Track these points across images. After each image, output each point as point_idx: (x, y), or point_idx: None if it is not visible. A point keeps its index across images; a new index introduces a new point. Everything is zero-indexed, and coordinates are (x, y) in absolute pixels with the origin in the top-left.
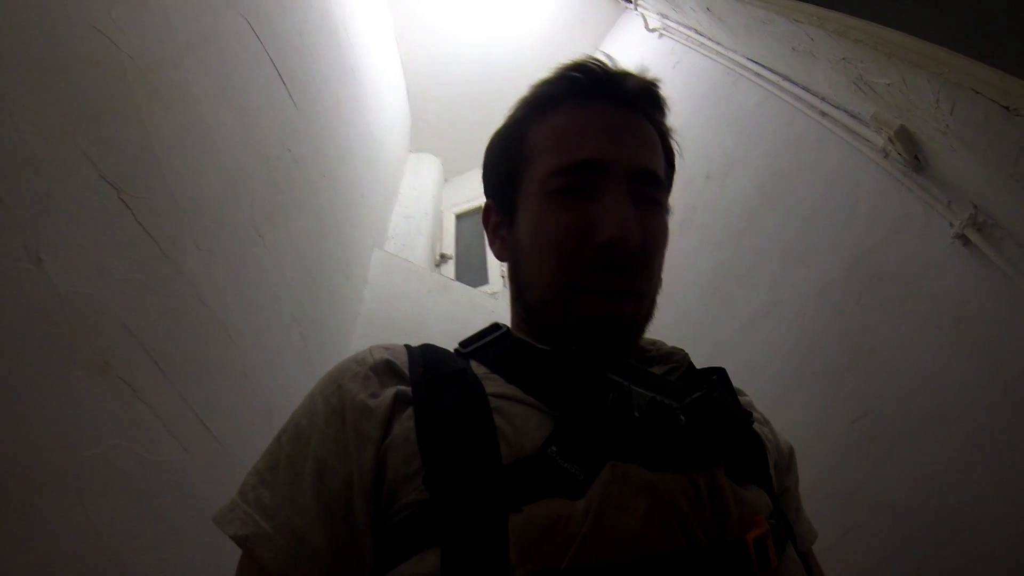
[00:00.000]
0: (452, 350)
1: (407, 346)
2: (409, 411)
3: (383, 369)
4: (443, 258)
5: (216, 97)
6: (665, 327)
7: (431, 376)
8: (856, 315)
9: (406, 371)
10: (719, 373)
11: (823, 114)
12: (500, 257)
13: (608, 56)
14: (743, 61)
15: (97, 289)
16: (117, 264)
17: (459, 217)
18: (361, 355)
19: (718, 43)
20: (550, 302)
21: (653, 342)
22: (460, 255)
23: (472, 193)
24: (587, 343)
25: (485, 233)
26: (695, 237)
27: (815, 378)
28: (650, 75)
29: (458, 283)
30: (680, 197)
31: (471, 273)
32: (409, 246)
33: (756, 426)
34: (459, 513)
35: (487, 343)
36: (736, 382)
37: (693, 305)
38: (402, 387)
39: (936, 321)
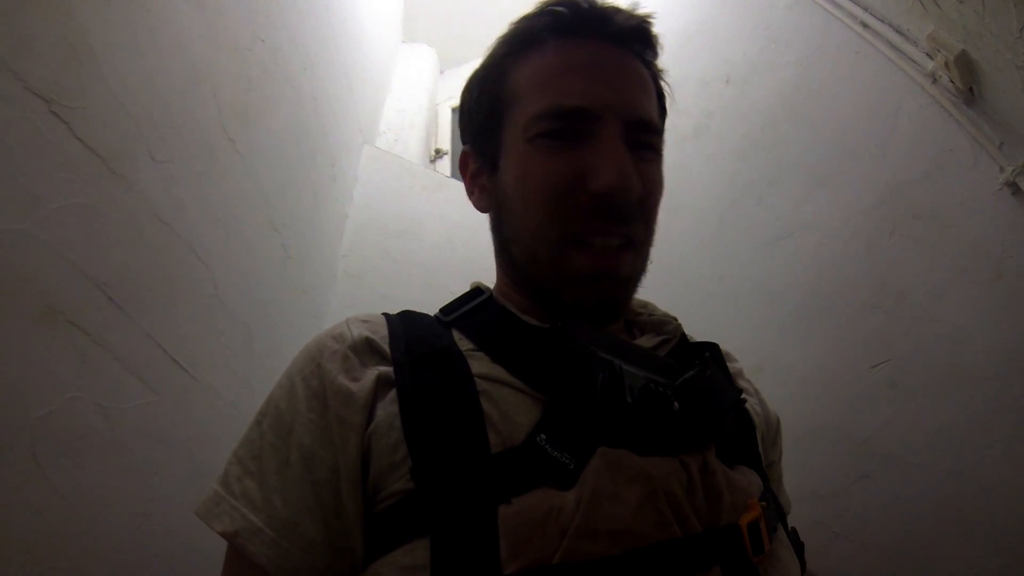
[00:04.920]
0: (433, 316)
1: (386, 315)
2: (392, 394)
3: (363, 348)
4: (438, 153)
5: None
6: (676, 238)
7: (414, 354)
8: (886, 252)
9: (387, 348)
10: (711, 349)
11: (864, 25)
12: (481, 208)
13: None
14: None
15: (32, 223)
16: (55, 190)
17: (455, 111)
18: (339, 330)
19: None
20: (539, 255)
21: (644, 305)
22: (456, 150)
23: None
24: (579, 302)
25: (463, 181)
26: (711, 145)
27: (836, 314)
28: (642, 10)
29: (454, 180)
30: (695, 101)
31: None
32: (402, 141)
33: (745, 398)
34: (448, 505)
35: (469, 311)
36: (751, 308)
37: (706, 217)
38: (384, 368)
39: (973, 271)
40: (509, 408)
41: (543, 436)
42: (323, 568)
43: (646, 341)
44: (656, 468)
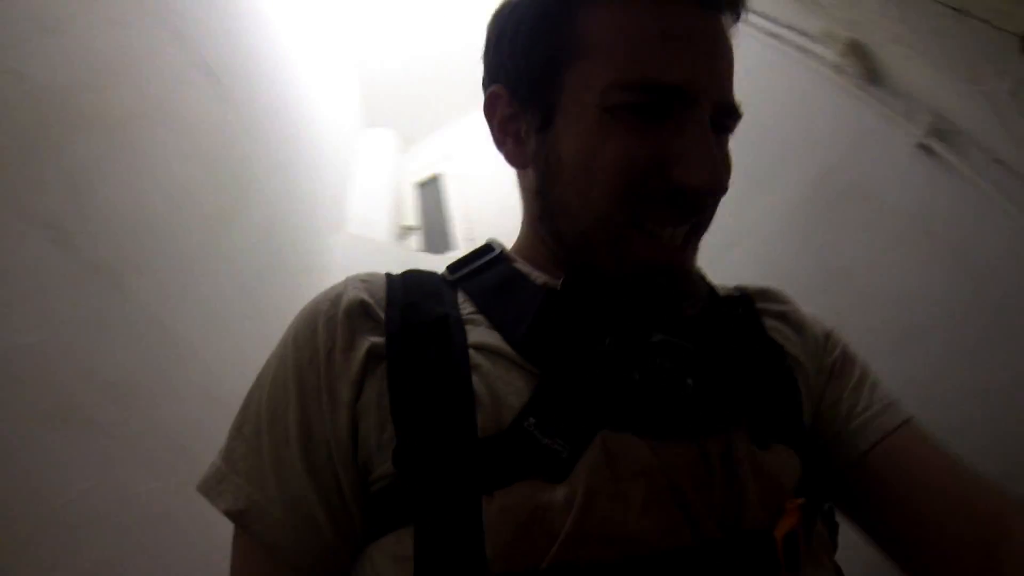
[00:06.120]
0: (440, 274)
1: (388, 276)
2: (383, 368)
3: (357, 311)
4: (407, 230)
5: (146, 114)
6: None
7: (409, 323)
8: (825, 236)
9: (382, 314)
10: (744, 304)
11: (772, 35)
12: (516, 163)
13: None
14: None
15: (45, 337)
16: (62, 306)
17: (420, 186)
18: (336, 291)
19: None
20: (596, 240)
21: None
22: (425, 224)
23: (430, 159)
24: (643, 293)
25: (488, 127)
26: None
27: None
28: None
29: (424, 254)
30: None
31: (436, 241)
32: (370, 223)
33: (784, 340)
34: (429, 495)
35: (476, 269)
36: None
37: None
38: (376, 339)
39: (905, 235)
40: (499, 386)
41: (532, 420)
42: (331, 548)
43: None
44: (666, 459)
